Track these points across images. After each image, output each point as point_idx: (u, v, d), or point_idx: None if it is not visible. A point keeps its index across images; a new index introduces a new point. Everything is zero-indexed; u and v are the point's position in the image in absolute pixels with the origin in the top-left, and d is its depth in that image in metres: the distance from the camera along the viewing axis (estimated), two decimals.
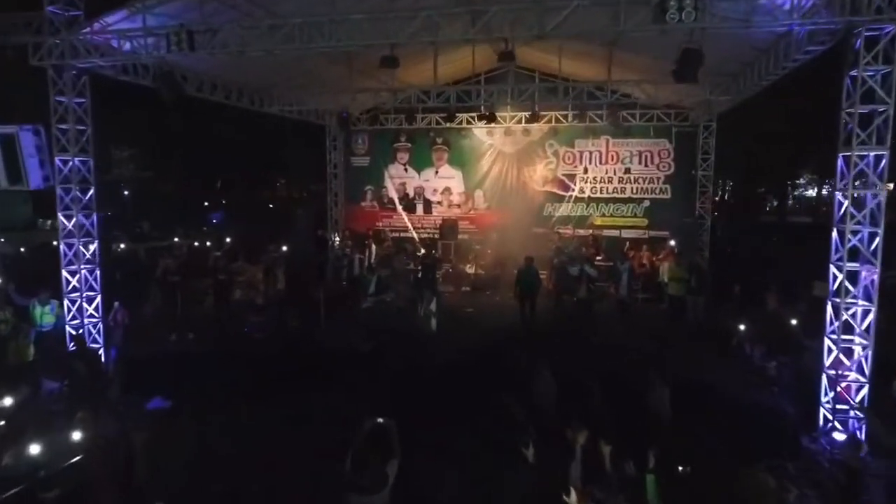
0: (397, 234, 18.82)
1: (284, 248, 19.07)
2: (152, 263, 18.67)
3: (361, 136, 19.20)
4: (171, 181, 30.46)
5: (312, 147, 21.34)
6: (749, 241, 20.93)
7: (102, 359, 10.04)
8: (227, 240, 23.58)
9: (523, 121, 17.01)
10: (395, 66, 8.13)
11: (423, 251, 15.33)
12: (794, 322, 10.08)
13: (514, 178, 18.16)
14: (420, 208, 18.98)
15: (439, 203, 18.83)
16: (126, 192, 28.94)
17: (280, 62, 12.46)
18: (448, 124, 16.05)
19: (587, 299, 11.24)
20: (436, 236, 18.21)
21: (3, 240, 18.94)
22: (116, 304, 10.54)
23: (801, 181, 33.42)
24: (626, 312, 11.22)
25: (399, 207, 19.10)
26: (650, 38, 11.08)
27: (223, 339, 11.26)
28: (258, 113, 15.34)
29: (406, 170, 19.04)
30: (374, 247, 15.49)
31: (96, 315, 10.16)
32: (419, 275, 13.99)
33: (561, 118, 16.82)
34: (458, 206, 18.66)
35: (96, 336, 10.19)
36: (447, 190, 18.78)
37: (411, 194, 19.04)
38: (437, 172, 18.83)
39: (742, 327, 10.71)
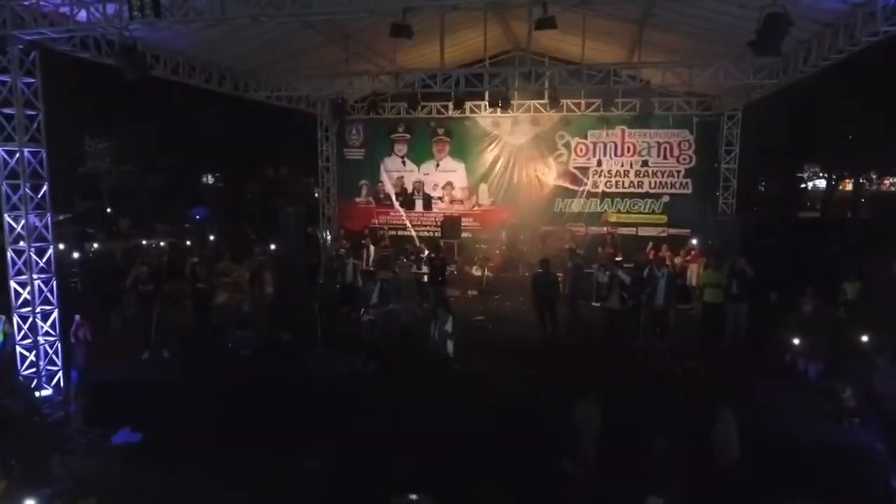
0: (394, 233, 17.42)
1: (273, 247, 17.62)
2: (128, 265, 17.17)
3: (356, 127, 17.75)
4: (151, 175, 28.69)
5: (302, 139, 19.80)
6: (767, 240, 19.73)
7: (61, 384, 8.62)
8: (210, 238, 22.09)
9: (532, 109, 15.73)
10: (408, 36, 6.73)
11: (427, 251, 13.89)
12: (864, 338, 8.84)
13: (521, 172, 16.84)
14: (419, 204, 17.58)
15: (440, 199, 17.46)
16: (102, 186, 27.21)
17: (267, 41, 11.06)
18: (455, 112, 14.70)
19: (620, 309, 9.95)
20: (437, 234, 16.83)
21: None
22: (77, 318, 9.05)
23: (805, 174, 32.45)
24: (664, 325, 9.94)
25: (396, 204, 17.69)
26: (688, 13, 9.85)
27: (203, 358, 9.83)
28: (243, 101, 13.85)
29: (404, 163, 17.63)
30: (372, 248, 14.07)
31: (53, 333, 8.68)
32: (425, 278, 12.62)
33: (573, 107, 15.49)
34: (461, 201, 17.29)
35: (54, 357, 8.72)
36: (449, 184, 17.40)
37: (410, 189, 17.64)
38: (437, 165, 17.44)
39: (796, 341, 9.49)
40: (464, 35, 13.79)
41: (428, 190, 17.49)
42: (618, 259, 14.25)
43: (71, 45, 8.63)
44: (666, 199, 15.91)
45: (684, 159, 15.81)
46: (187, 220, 26.55)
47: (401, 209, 17.61)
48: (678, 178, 15.85)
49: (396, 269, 13.20)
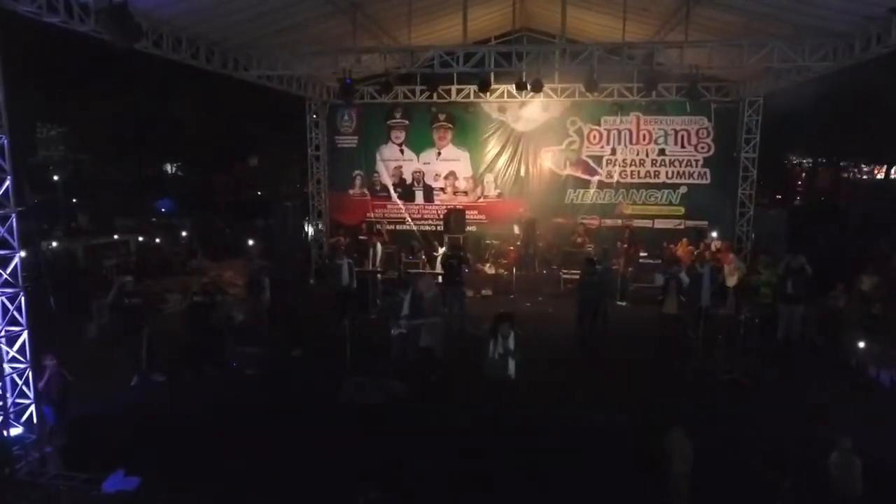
0: (392, 227, 16.11)
1: (252, 243, 16.12)
2: (92, 266, 15.39)
3: (348, 112, 16.26)
4: (111, 164, 26.32)
5: (287, 124, 18.20)
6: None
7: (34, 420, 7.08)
8: (183, 233, 20.38)
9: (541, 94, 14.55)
10: None
11: (442, 250, 12.64)
12: None
13: (530, 161, 15.73)
14: (420, 196, 16.28)
15: (442, 190, 16.19)
16: (56, 178, 24.76)
17: (265, 10, 9.60)
18: (459, 97, 13.40)
19: (677, 315, 9.00)
20: (439, 229, 15.59)
21: None
22: (50, 358, 7.46)
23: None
24: (716, 328, 9.06)
25: (395, 195, 16.35)
26: None
27: (203, 381, 8.39)
28: (217, 82, 12.24)
29: (402, 151, 16.26)
30: (379, 246, 12.69)
31: (22, 359, 7.11)
32: (440, 278, 11.43)
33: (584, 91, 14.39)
34: (465, 193, 16.06)
35: (24, 388, 7.16)
36: (451, 174, 16.13)
37: (409, 180, 16.30)
38: (439, 154, 16.15)
39: (862, 345, 8.76)
40: (472, 13, 12.52)
41: (429, 180, 16.19)
42: (643, 255, 13.43)
43: (36, 7, 7.02)
44: (683, 189, 15.09)
45: (702, 148, 15.00)
46: (153, 213, 24.49)
47: (399, 202, 16.28)
48: (696, 167, 15.04)
49: (401, 265, 11.97)
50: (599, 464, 6.09)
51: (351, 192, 16.52)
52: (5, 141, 6.80)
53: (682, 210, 15.12)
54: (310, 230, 16.69)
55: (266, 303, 11.04)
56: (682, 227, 14.98)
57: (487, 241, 15.05)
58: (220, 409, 7.57)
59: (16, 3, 6.76)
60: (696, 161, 15.03)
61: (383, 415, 7.05)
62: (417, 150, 16.17)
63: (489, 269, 13.60)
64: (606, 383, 8.08)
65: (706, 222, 14.81)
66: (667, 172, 15.15)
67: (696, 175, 15.06)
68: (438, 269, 12.48)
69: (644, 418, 6.75)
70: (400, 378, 7.66)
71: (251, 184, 28.62)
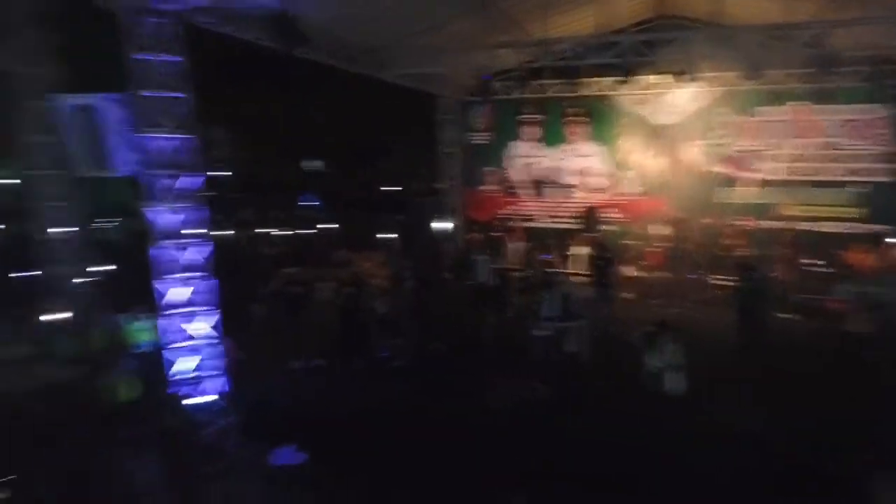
0: (527, 225, 15.91)
1: (394, 237, 16.73)
2: (254, 255, 16.93)
3: (480, 109, 16.34)
4: (266, 162, 29.13)
5: (418, 123, 18.76)
6: None
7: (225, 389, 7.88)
8: (328, 226, 21.76)
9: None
10: None
11: (589, 249, 12.13)
12: None
13: (672, 157, 14.72)
14: (552, 193, 15.93)
15: (575, 187, 15.71)
16: (227, 175, 27.78)
17: (407, 13, 9.94)
18: (594, 90, 12.77)
19: (867, 334, 7.88)
20: (572, 226, 15.13)
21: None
22: (229, 341, 8.34)
23: None
24: None
25: (527, 192, 16.15)
26: None
27: (357, 370, 8.85)
28: (352, 84, 12.74)
29: (534, 147, 16.04)
30: (516, 244, 12.48)
31: (214, 336, 7.90)
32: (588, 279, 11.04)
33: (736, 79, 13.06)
34: (602, 190, 15.45)
35: (214, 362, 7.96)
36: (586, 171, 15.61)
37: (541, 176, 16.03)
38: (572, 150, 15.69)
39: None
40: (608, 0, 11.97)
41: (561, 177, 15.82)
42: (813, 262, 12.02)
43: (214, 18, 7.85)
44: (857, 188, 13.20)
45: (881, 140, 13.07)
46: (297, 208, 26.51)
47: (532, 198, 16.05)
48: (873, 163, 13.12)
49: (536, 263, 11.68)
50: (752, 476, 5.56)
51: (483, 188, 16.62)
52: (195, 142, 7.64)
53: (855, 211, 13.25)
54: (445, 226, 17.04)
55: (407, 296, 11.47)
56: (855, 230, 13.16)
57: (626, 242, 14.32)
58: (372, 400, 7.86)
59: (194, 13, 7.53)
60: (873, 156, 13.12)
61: (528, 416, 6.94)
62: (550, 146, 15.87)
63: (629, 270, 12.93)
64: (777, 397, 7.26)
65: (888, 226, 12.83)
66: (836, 169, 13.40)
67: (872, 172, 13.14)
68: (575, 268, 12.13)
69: (817, 436, 6.03)
70: (542, 380, 7.50)
71: (387, 180, 29.98)
